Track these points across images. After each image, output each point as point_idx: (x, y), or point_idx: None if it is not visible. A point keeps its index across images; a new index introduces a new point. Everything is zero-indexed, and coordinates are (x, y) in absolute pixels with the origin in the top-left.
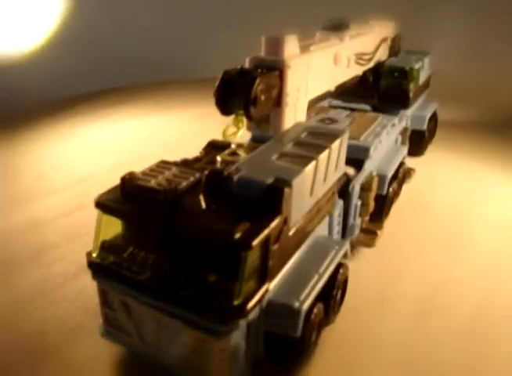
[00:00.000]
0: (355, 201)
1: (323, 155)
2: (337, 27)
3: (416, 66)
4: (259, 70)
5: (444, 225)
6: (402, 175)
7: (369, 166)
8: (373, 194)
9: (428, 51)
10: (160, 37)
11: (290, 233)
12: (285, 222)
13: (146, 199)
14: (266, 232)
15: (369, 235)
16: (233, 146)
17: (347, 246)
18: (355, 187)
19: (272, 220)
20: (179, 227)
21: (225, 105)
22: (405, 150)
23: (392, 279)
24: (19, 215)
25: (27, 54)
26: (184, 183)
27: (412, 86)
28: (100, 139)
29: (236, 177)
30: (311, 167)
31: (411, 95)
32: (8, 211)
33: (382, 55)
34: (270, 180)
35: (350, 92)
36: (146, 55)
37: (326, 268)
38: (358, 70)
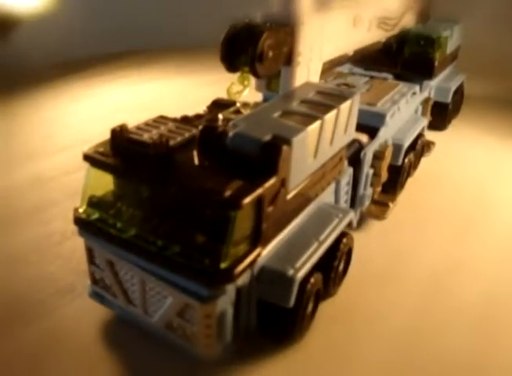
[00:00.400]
0: (367, 170)
1: (330, 115)
2: None
3: (444, 34)
4: (268, 25)
5: (461, 202)
6: (420, 147)
7: (385, 134)
8: (386, 164)
9: (458, 20)
10: (184, 2)
11: (289, 196)
12: (282, 183)
13: (136, 153)
14: (259, 192)
15: (381, 207)
16: (238, 104)
17: (351, 215)
18: (367, 155)
19: (266, 180)
20: (167, 184)
21: (231, 61)
22: (425, 121)
23: (402, 254)
24: (23, 172)
25: (40, 10)
26: (178, 139)
27: (438, 55)
28: (114, 100)
29: (231, 133)
30: (315, 126)
31: (436, 64)
32: (12, 168)
33: (408, 22)
34: (267, 137)
35: (372, 60)
36: (168, 19)
37: (327, 236)
38: (380, 36)
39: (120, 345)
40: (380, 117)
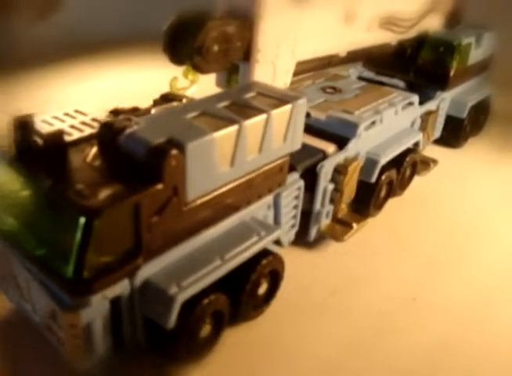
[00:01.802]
0: (324, 185)
1: (253, 121)
2: None
3: (466, 41)
4: (219, 16)
5: (445, 233)
6: (409, 165)
7: (356, 146)
8: (351, 180)
9: (491, 27)
10: None
11: (189, 207)
12: (175, 192)
13: (28, 145)
14: (133, 199)
15: (344, 227)
16: (185, 100)
17: (277, 233)
18: (325, 168)
19: (147, 187)
20: (40, 181)
21: (174, 52)
22: (418, 135)
23: (352, 282)
24: None
25: None
26: (76, 135)
27: (456, 65)
28: (118, 85)
29: (125, 133)
30: (227, 132)
31: (452, 74)
32: None
33: (431, 25)
34: (160, 140)
35: (384, 64)
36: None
37: (236, 255)
38: (387, 37)
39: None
40: (352, 127)
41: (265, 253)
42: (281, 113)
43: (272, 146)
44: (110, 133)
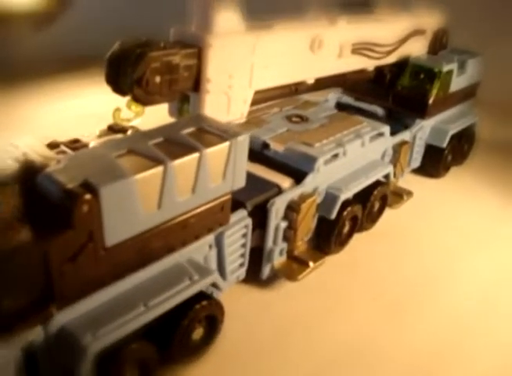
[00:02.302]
0: (276, 222)
1: (183, 160)
2: (357, 7)
3: (447, 68)
4: (162, 45)
5: (408, 275)
6: (377, 198)
7: (315, 181)
8: (305, 217)
9: (478, 52)
10: None
11: (107, 252)
12: (90, 237)
13: None
14: (37, 246)
15: (299, 265)
16: (129, 132)
17: (213, 277)
18: (276, 205)
19: (56, 234)
20: None
21: (117, 83)
22: (388, 168)
23: (300, 327)
24: None
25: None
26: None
27: (436, 92)
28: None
29: (43, 173)
30: (149, 173)
31: (431, 102)
32: None
33: (413, 49)
34: (74, 183)
35: (363, 89)
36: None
37: (163, 301)
38: (363, 63)
39: None
40: (310, 161)
41: (199, 297)
42: (217, 151)
43: (208, 186)
44: (29, 172)
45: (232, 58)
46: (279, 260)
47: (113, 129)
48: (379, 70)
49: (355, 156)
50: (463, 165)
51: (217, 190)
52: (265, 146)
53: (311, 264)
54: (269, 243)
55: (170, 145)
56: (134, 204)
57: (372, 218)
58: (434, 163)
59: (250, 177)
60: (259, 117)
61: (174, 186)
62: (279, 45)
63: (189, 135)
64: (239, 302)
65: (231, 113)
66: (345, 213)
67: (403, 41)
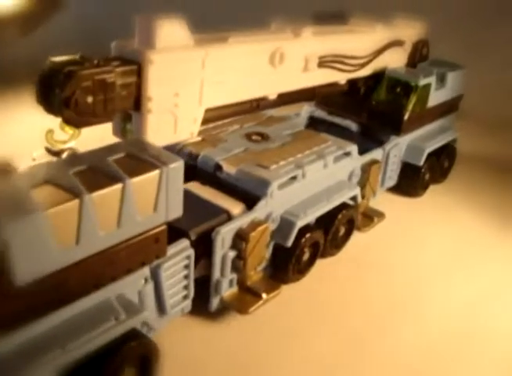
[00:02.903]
0: (223, 252)
1: (102, 192)
2: (330, 19)
3: (424, 81)
4: (96, 62)
5: (373, 305)
6: (342, 223)
7: (269, 206)
8: (259, 245)
9: (461, 65)
10: None
11: (17, 291)
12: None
13: None
14: None
15: (251, 297)
16: (65, 155)
17: (141, 316)
18: (221, 234)
19: None
20: None
21: (48, 103)
22: (354, 190)
23: (247, 366)
24: None
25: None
26: None
27: (412, 107)
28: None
29: None
30: (62, 207)
31: (406, 117)
32: None
33: (391, 62)
34: None
35: (337, 103)
36: None
37: (84, 344)
38: (333, 77)
39: None
40: (263, 185)
41: (129, 337)
42: (145, 180)
43: (135, 218)
44: None
45: (177, 75)
46: (229, 291)
47: (50, 152)
48: (353, 83)
49: (317, 178)
50: (443, 183)
51: (147, 222)
52: (218, 167)
53: (264, 295)
54: (216, 274)
55: (93, 174)
56: (46, 240)
57: (337, 243)
58: (411, 182)
59: (199, 202)
60: (216, 136)
61: (94, 220)
62: (233, 59)
63: (117, 162)
64: (184, 338)
65: (179, 133)
66: (304, 240)
67: (379, 52)
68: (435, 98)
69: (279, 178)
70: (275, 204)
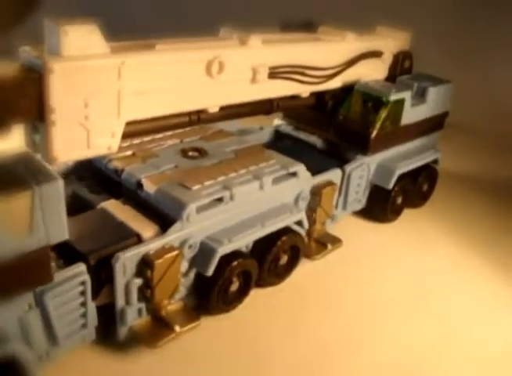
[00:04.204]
0: (126, 279)
1: None
2: (297, 28)
3: (396, 96)
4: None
5: (310, 345)
6: (282, 250)
7: (184, 231)
8: (170, 273)
9: (446, 80)
10: None
11: None
12: None
13: None
14: None
15: (165, 329)
16: None
17: (8, 347)
18: (120, 260)
19: None
20: None
21: None
22: (296, 215)
23: None
24: None
25: None
26: None
27: (380, 124)
28: None
29: None
30: None
31: (374, 135)
32: None
33: (366, 74)
34: None
35: (305, 118)
36: None
37: None
38: (293, 89)
39: None
40: (179, 208)
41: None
42: (13, 201)
43: (6, 240)
44: None
45: (85, 85)
46: (141, 320)
47: None
48: (319, 96)
49: (251, 200)
50: (421, 208)
51: (22, 246)
52: (139, 185)
53: (177, 328)
54: (120, 302)
55: None
56: None
57: (278, 272)
58: (380, 206)
59: (112, 222)
60: (149, 150)
61: None
62: (157, 68)
63: None
64: (85, 369)
65: (93, 147)
66: (229, 268)
67: (349, 64)
68: (412, 115)
69: (200, 199)
70: (193, 228)
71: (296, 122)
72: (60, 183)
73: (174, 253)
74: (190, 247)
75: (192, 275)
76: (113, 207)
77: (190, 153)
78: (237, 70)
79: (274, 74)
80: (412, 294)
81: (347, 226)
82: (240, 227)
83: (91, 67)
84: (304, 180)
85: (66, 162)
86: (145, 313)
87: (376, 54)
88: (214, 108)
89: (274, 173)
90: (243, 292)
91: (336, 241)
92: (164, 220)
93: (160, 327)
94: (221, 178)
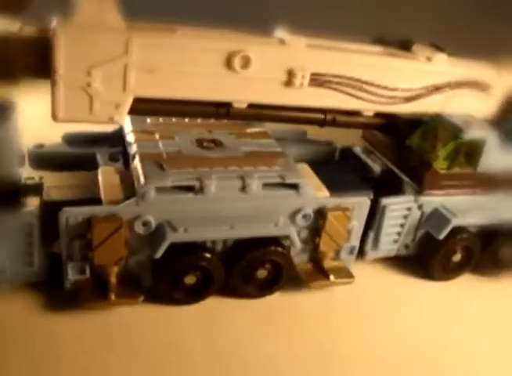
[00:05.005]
0: (71, 235)
1: None
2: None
3: (475, 134)
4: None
5: None
6: (258, 262)
7: (138, 207)
8: (111, 241)
9: None
10: None
11: None
12: None
13: None
14: None
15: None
16: None
17: None
18: (64, 213)
19: None
20: None
21: None
22: (281, 229)
23: None
24: None
25: None
26: None
27: (446, 162)
28: None
29: None
30: None
31: (431, 171)
32: None
33: (457, 106)
34: None
35: (376, 140)
36: None
37: None
38: (345, 103)
39: None
40: (141, 184)
41: None
42: None
43: None
44: None
45: (89, 53)
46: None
47: None
48: (391, 119)
49: (228, 199)
50: (493, 277)
51: None
52: (133, 158)
53: (112, 297)
54: (64, 255)
55: None
56: None
57: (257, 285)
58: (428, 256)
59: (93, 184)
60: (172, 132)
61: None
62: (171, 51)
63: None
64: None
65: (94, 114)
66: (182, 259)
67: (435, 90)
68: (500, 161)
69: (161, 181)
70: (150, 207)
71: (367, 143)
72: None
73: (117, 224)
74: (145, 225)
75: (145, 254)
76: (106, 172)
77: (205, 144)
78: (267, 68)
79: (318, 81)
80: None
81: (383, 271)
82: (206, 222)
83: (95, 37)
84: (306, 196)
85: (69, 121)
86: (88, 273)
87: (478, 86)
88: (239, 104)
89: (264, 178)
90: (201, 290)
91: (345, 276)
92: (135, 193)
93: (99, 292)
94: (203, 169)
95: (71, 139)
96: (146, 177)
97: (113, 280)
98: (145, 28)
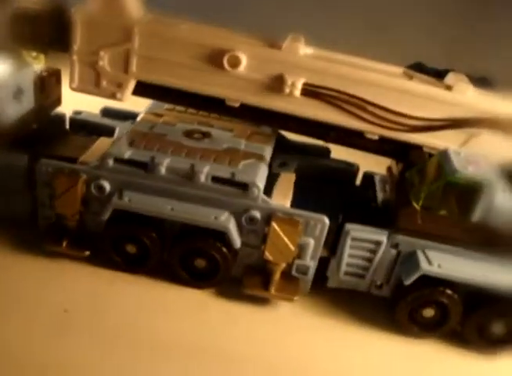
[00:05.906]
0: (43, 184)
1: None
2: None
3: (468, 177)
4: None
5: None
6: (200, 252)
7: (99, 171)
8: (70, 194)
9: None
10: None
11: None
12: None
13: None
14: None
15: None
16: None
17: None
18: (39, 164)
19: None
20: None
21: None
22: (220, 224)
23: None
24: None
25: None
26: None
27: (428, 202)
28: None
29: None
30: None
31: (408, 210)
32: None
33: (481, 146)
34: None
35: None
36: None
37: None
38: (342, 120)
39: None
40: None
41: None
42: None
43: None
44: None
45: (98, 36)
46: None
47: None
48: (403, 147)
49: (178, 183)
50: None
51: None
52: None
53: (64, 245)
54: (39, 200)
55: None
56: None
57: (194, 273)
58: (394, 302)
59: (85, 148)
60: (176, 119)
61: None
62: (169, 42)
63: None
64: None
65: (100, 90)
66: (122, 226)
67: (455, 124)
68: (504, 213)
69: (119, 152)
70: (106, 174)
71: (389, 175)
72: None
73: (75, 181)
74: (100, 188)
75: (100, 215)
76: (102, 141)
77: (195, 135)
78: (258, 71)
79: (312, 92)
80: None
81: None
82: (151, 199)
83: (104, 22)
84: (255, 198)
85: (81, 92)
86: (53, 220)
87: (503, 128)
88: (232, 102)
89: (215, 171)
90: (139, 262)
91: (288, 293)
92: None
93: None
94: (163, 152)
95: (106, 112)
96: (111, 147)
97: (70, 228)
98: (152, 20)
